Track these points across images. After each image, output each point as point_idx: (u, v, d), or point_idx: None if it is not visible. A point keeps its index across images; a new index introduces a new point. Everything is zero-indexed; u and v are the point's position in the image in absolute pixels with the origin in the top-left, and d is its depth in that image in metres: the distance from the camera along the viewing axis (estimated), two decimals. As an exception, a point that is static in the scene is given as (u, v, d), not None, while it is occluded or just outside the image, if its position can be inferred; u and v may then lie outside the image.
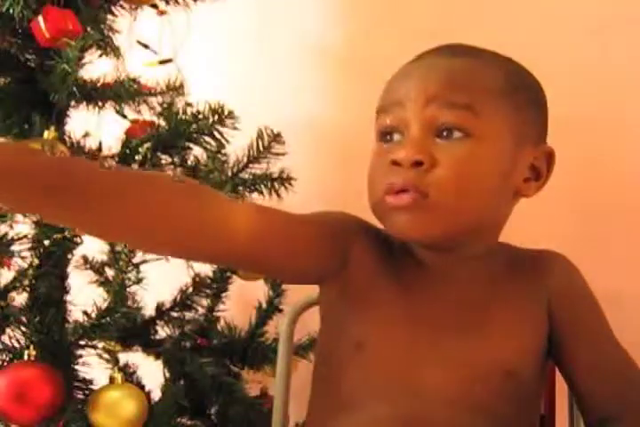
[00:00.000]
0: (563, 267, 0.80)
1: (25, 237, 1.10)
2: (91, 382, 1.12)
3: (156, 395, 1.21)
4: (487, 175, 0.72)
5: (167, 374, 1.24)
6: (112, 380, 1.09)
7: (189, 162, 1.21)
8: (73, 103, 1.19)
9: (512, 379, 0.73)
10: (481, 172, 0.71)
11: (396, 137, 0.73)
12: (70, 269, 1.21)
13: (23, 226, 1.16)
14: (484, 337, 0.74)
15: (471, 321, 0.74)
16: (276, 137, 1.24)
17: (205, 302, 1.33)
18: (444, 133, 0.71)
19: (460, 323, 0.74)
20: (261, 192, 1.26)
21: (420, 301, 0.75)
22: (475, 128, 0.70)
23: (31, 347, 1.05)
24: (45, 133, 1.09)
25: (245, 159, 1.25)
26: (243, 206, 0.72)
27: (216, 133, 1.11)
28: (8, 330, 1.10)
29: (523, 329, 0.76)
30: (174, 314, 1.30)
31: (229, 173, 1.24)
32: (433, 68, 0.73)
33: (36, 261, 1.09)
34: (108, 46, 1.22)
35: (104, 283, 1.34)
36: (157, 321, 1.29)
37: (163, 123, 1.14)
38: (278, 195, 1.26)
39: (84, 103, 1.20)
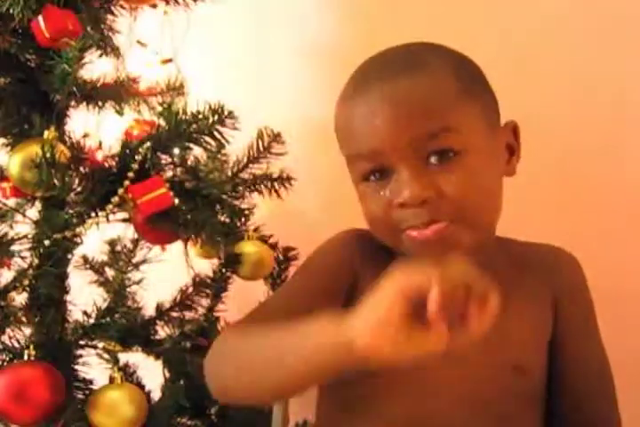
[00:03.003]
0: (570, 264, 0.80)
1: (25, 237, 1.10)
2: (91, 382, 1.12)
3: (156, 395, 1.21)
4: (490, 178, 0.72)
5: (167, 374, 1.24)
6: (112, 380, 1.09)
7: (189, 162, 1.21)
8: (73, 103, 1.19)
9: (520, 375, 0.73)
10: (484, 179, 0.71)
11: (384, 173, 0.71)
12: (70, 269, 1.21)
13: (23, 226, 1.16)
14: (493, 333, 0.74)
15: None
16: (276, 137, 1.24)
17: (205, 302, 1.33)
18: (435, 158, 0.69)
19: None
20: (261, 192, 1.26)
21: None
22: (460, 143, 0.69)
23: (31, 347, 1.05)
24: (45, 133, 1.09)
25: (245, 159, 1.24)
26: None
27: (216, 133, 1.10)
28: (8, 330, 1.10)
29: (530, 325, 0.76)
30: (174, 314, 1.29)
31: (229, 173, 1.24)
32: (391, 104, 0.69)
33: (36, 261, 1.09)
34: (108, 46, 1.22)
35: (104, 283, 1.34)
36: (157, 321, 1.29)
37: (163, 123, 1.14)
38: (278, 195, 1.26)
39: (84, 103, 1.20)
